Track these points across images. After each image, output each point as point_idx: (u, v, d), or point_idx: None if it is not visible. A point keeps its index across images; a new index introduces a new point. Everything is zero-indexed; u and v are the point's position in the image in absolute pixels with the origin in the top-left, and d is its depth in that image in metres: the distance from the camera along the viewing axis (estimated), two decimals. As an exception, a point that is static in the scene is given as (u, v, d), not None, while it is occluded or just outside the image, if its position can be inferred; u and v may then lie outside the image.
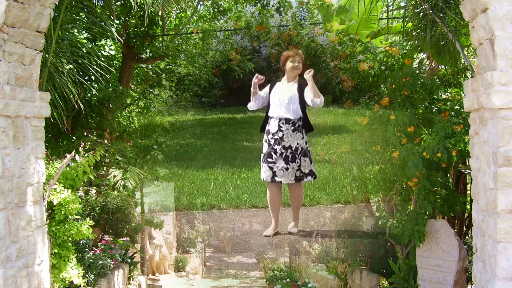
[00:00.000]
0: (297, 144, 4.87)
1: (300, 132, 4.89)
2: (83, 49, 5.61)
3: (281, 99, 4.88)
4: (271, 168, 4.87)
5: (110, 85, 7.07)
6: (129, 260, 7.47)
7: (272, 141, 4.86)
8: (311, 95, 4.79)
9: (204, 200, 10.90)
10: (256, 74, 4.90)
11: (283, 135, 4.83)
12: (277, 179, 4.89)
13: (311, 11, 13.83)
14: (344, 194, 9.23)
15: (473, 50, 5.32)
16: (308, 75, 4.72)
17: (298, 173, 4.94)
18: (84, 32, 6.49)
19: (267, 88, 5.16)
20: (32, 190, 3.55)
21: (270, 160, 4.87)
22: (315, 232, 6.24)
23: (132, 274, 7.60)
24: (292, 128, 4.83)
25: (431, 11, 4.09)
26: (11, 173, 3.25)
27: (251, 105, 5.20)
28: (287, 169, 4.83)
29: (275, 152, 4.85)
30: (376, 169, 5.85)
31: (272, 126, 4.90)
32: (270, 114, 4.95)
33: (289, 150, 4.85)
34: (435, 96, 5.58)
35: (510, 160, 2.88)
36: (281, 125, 4.82)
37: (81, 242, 5.84)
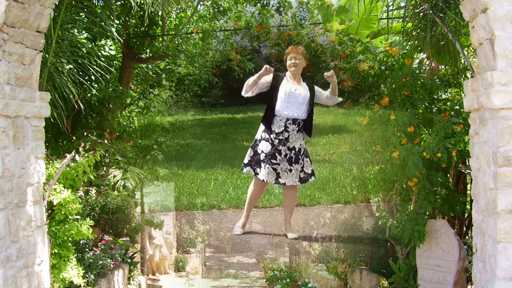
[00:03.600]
0: (300, 145, 4.78)
1: (301, 132, 4.80)
2: (83, 49, 5.61)
3: (292, 97, 4.70)
4: (275, 170, 4.73)
5: (110, 85, 7.06)
6: (129, 260, 7.47)
7: (276, 141, 4.70)
8: (334, 97, 4.91)
9: (204, 200, 10.90)
10: (267, 66, 4.63)
11: (288, 135, 4.70)
12: (280, 180, 4.76)
13: (311, 11, 13.83)
14: (344, 194, 9.22)
15: (473, 50, 5.32)
16: (333, 78, 4.70)
17: (302, 174, 4.83)
18: (84, 32, 6.49)
19: (269, 78, 4.85)
20: (32, 190, 3.55)
21: (274, 161, 4.72)
22: (315, 233, 6.17)
23: (132, 274, 7.60)
24: (297, 128, 4.72)
25: (431, 11, 4.09)
26: (11, 173, 3.25)
27: (247, 93, 4.90)
28: (290, 170, 4.74)
29: (280, 153, 4.72)
30: (376, 169, 5.85)
31: (276, 126, 4.71)
32: (278, 112, 4.72)
33: (293, 151, 4.75)
34: (435, 96, 5.58)
35: (510, 160, 2.88)
36: (288, 125, 4.69)
37: (81, 242, 5.83)
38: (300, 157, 4.78)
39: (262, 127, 4.83)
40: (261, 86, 4.86)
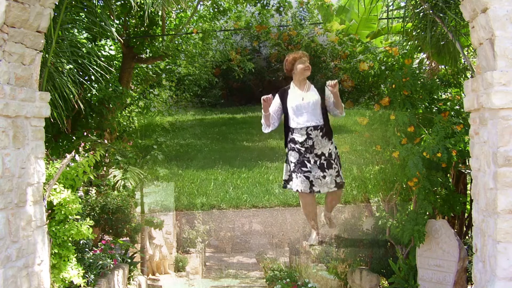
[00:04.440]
0: (329, 149, 4.53)
1: (328, 138, 4.55)
2: (83, 49, 5.61)
3: (302, 107, 4.50)
4: (307, 178, 4.49)
5: (110, 85, 7.07)
6: (129, 260, 7.47)
7: (303, 150, 4.50)
8: (337, 110, 4.62)
9: (204, 200, 10.93)
10: (263, 97, 4.39)
11: (313, 143, 4.47)
12: (315, 189, 4.52)
13: (311, 11, 13.80)
14: (344, 194, 9.23)
15: (473, 50, 5.32)
16: (334, 89, 4.37)
17: (338, 179, 4.57)
18: (84, 32, 6.49)
19: (276, 100, 4.68)
20: (32, 190, 3.55)
21: (305, 169, 4.49)
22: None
23: (132, 274, 7.60)
24: (321, 134, 4.49)
25: (431, 11, 4.09)
26: (11, 173, 3.25)
27: (267, 129, 4.72)
28: (324, 177, 4.48)
29: (309, 161, 4.50)
30: (376, 169, 5.85)
31: (298, 136, 4.51)
32: (292, 125, 4.55)
33: (322, 158, 4.51)
34: (435, 96, 5.58)
35: (510, 160, 2.88)
36: (310, 132, 4.47)
37: (81, 242, 5.84)
38: (332, 161, 4.53)
39: (288, 139, 4.66)
40: (277, 113, 4.70)
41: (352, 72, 6.32)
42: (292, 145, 4.58)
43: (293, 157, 4.56)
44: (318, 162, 4.50)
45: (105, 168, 7.47)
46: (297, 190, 4.55)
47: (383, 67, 6.04)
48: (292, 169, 4.57)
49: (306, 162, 4.50)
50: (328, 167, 4.50)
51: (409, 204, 5.85)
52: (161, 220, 9.60)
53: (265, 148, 13.87)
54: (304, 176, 4.49)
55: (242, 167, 12.10)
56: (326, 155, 4.51)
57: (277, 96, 4.71)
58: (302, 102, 4.52)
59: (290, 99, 4.59)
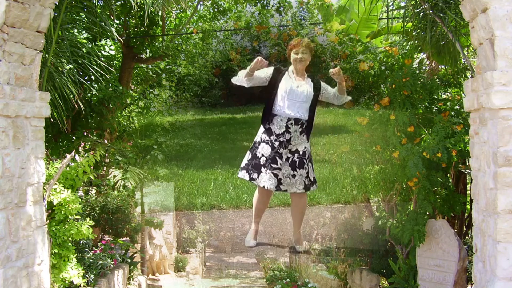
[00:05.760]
0: (305, 147, 4.30)
1: (306, 134, 4.32)
2: (83, 49, 5.61)
3: (293, 95, 4.23)
4: (276, 175, 4.24)
5: (110, 85, 7.07)
6: (129, 260, 7.47)
7: (277, 144, 4.22)
8: (341, 96, 4.44)
9: (204, 200, 10.92)
10: (259, 58, 4.11)
11: (290, 137, 4.22)
12: (282, 187, 4.27)
13: (311, 11, 13.83)
14: (344, 194, 9.24)
15: (473, 50, 5.32)
16: (339, 76, 4.21)
17: (307, 180, 4.32)
18: (84, 32, 6.49)
19: (269, 72, 4.39)
20: (32, 190, 3.55)
21: (274, 166, 4.23)
22: (315, 233, 5.93)
23: (132, 274, 7.60)
24: (300, 129, 4.25)
25: (431, 11, 4.09)
26: (11, 173, 3.25)
27: (239, 81, 4.37)
28: (294, 176, 4.24)
29: (280, 157, 4.23)
30: (376, 169, 5.85)
31: (276, 127, 4.25)
32: (277, 112, 4.26)
33: (296, 155, 4.27)
34: (435, 96, 5.58)
35: (510, 160, 2.88)
36: (290, 125, 4.22)
37: (81, 242, 5.83)
38: (305, 161, 4.28)
39: (262, 128, 4.41)
40: (259, 79, 4.37)
41: (352, 72, 6.31)
42: (266, 137, 4.30)
43: (265, 150, 4.29)
44: (290, 159, 4.26)
45: (105, 168, 7.48)
46: (264, 187, 4.28)
47: (383, 67, 6.03)
48: (261, 163, 4.29)
49: (277, 158, 4.25)
50: (300, 166, 4.26)
51: (409, 204, 5.85)
52: (161, 220, 9.60)
53: (265, 148, 13.87)
54: (273, 173, 4.25)
55: (242, 167, 12.08)
56: (300, 153, 4.28)
57: (272, 69, 4.43)
58: (296, 89, 4.27)
59: (285, 81, 4.32)
